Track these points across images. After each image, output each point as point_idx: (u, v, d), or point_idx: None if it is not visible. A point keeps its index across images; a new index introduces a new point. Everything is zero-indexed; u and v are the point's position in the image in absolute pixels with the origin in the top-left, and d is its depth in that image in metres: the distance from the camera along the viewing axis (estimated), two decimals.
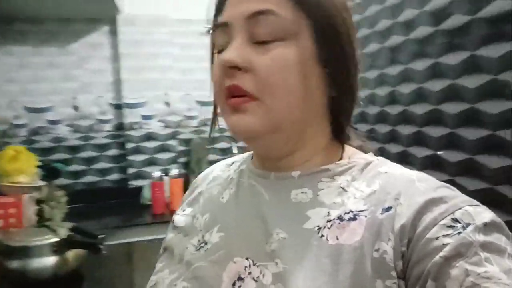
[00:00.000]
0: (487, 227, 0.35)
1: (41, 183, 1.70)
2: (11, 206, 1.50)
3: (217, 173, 0.59)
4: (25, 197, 1.54)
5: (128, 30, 2.07)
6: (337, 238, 0.40)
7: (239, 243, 0.45)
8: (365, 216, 0.40)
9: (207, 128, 2.25)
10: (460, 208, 0.36)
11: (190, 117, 2.25)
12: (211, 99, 0.50)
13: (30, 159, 1.60)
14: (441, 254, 0.34)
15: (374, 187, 0.43)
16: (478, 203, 0.38)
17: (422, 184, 0.40)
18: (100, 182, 2.17)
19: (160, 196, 1.90)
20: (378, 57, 1.55)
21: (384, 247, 0.37)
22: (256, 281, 0.41)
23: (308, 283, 0.38)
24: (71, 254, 1.16)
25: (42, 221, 1.48)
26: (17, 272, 1.10)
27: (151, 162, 2.17)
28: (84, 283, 1.20)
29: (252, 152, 0.55)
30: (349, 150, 0.49)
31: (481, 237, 0.34)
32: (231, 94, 0.43)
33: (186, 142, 2.24)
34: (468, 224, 0.35)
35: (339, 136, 0.49)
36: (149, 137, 2.16)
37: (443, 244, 0.34)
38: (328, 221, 0.42)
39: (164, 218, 1.84)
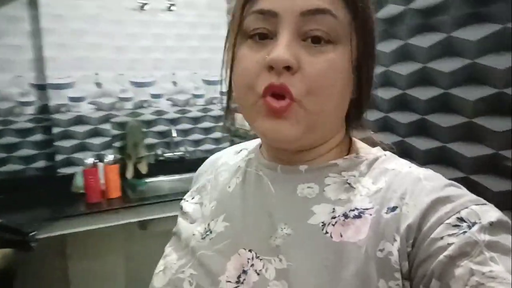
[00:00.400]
0: (493, 227, 0.34)
1: None
2: None
3: (225, 159, 0.58)
4: None
5: (51, 1, 1.87)
6: (341, 235, 0.40)
7: (244, 235, 0.45)
8: (370, 215, 0.40)
9: (143, 111, 2.16)
10: (466, 207, 0.36)
11: (125, 99, 2.12)
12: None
13: None
14: (445, 253, 0.33)
15: (380, 184, 0.42)
16: (485, 201, 0.37)
17: (429, 183, 0.40)
18: (24, 171, 1.98)
19: (94, 184, 1.78)
20: None
21: (389, 248, 0.37)
22: (258, 274, 0.41)
23: (312, 280, 0.38)
24: None
25: None
26: None
27: (83, 148, 2.03)
28: (15, 283, 1.10)
29: (260, 141, 0.53)
30: (357, 144, 0.49)
31: (486, 237, 0.33)
32: (273, 93, 0.40)
33: (121, 125, 2.12)
34: (474, 224, 0.34)
35: (349, 132, 0.50)
36: (79, 120, 2.01)
37: (448, 243, 0.34)
38: (333, 217, 0.41)
39: (100, 207, 1.74)
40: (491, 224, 0.34)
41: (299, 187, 0.45)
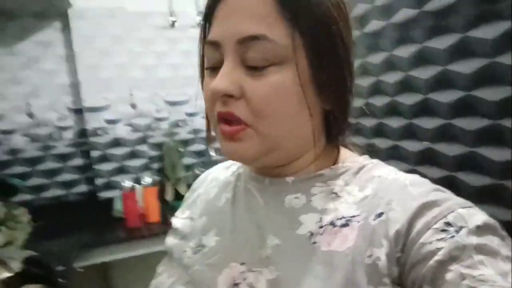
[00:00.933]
0: (480, 230, 0.35)
1: None
2: None
3: (215, 175, 0.59)
4: None
5: (82, 25, 1.86)
6: (329, 244, 0.40)
7: (235, 248, 0.46)
8: (358, 222, 0.41)
9: (180, 130, 2.10)
10: (453, 211, 0.36)
11: (160, 119, 2.07)
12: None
13: None
14: (435, 258, 0.34)
15: (366, 191, 0.43)
16: (471, 204, 0.38)
17: (415, 189, 0.40)
18: (65, 196, 1.97)
19: (133, 207, 1.73)
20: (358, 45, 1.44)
21: (377, 254, 0.37)
22: (250, 287, 0.41)
23: None
24: None
25: None
26: None
27: (121, 170, 1.99)
28: None
29: None
30: (344, 153, 0.49)
31: (474, 240, 0.34)
32: (224, 119, 0.42)
33: (158, 146, 2.06)
34: (461, 227, 0.35)
35: (333, 141, 0.49)
36: (116, 143, 1.97)
37: (436, 248, 0.34)
38: (320, 227, 0.42)
39: (139, 233, 1.68)
40: (478, 227, 0.35)
41: (286, 198, 0.46)
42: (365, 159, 0.48)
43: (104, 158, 1.96)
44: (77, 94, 1.91)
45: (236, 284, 0.42)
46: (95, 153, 1.95)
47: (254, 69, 0.41)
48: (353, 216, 0.41)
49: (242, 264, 0.44)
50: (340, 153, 0.49)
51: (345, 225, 0.41)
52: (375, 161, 0.48)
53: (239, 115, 0.41)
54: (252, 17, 0.40)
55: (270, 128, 0.41)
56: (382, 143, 1.34)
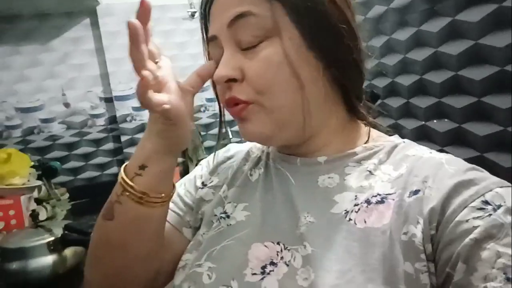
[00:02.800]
0: None
1: (38, 182, 1.71)
2: (9, 208, 1.51)
3: (248, 149, 0.59)
4: (22, 198, 1.55)
5: (109, 21, 2.03)
6: (365, 222, 0.40)
7: (270, 228, 0.45)
8: (393, 200, 0.40)
9: (201, 115, 2.24)
10: (490, 190, 0.36)
11: None
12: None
13: (23, 160, 1.60)
14: (471, 236, 0.33)
15: (401, 170, 0.42)
16: (509, 184, 0.37)
17: (451, 167, 0.40)
18: (99, 177, 2.17)
19: None
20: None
21: (412, 230, 0.37)
22: (288, 265, 0.41)
23: (338, 266, 0.37)
24: (68, 252, 1.17)
25: (41, 220, 1.50)
26: (17, 274, 1.11)
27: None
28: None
29: None
30: (373, 133, 0.49)
31: None
32: (231, 104, 0.44)
33: None
34: (499, 206, 0.34)
35: (355, 115, 0.48)
36: (143, 128, 2.15)
37: (473, 226, 0.34)
38: (356, 205, 0.41)
39: None
40: None
41: (320, 178, 0.45)
42: (397, 139, 0.48)
43: (132, 142, 2.14)
44: (107, 85, 2.09)
45: (274, 263, 0.41)
46: (124, 138, 2.13)
47: (249, 50, 0.42)
48: (389, 194, 0.41)
49: (278, 243, 0.43)
50: (371, 132, 0.49)
51: (380, 202, 0.40)
52: (407, 140, 0.48)
53: (241, 97, 0.42)
54: (235, 1, 0.42)
55: (273, 101, 0.41)
56: (410, 123, 1.29)
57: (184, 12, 2.14)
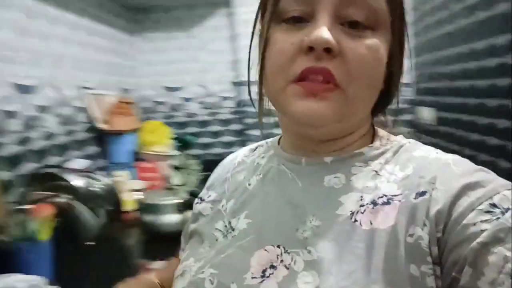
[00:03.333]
0: None
1: (175, 152, 1.99)
2: (150, 170, 1.81)
3: (242, 158, 0.57)
4: (161, 164, 1.83)
5: (243, 10, 2.17)
6: (371, 223, 0.39)
7: (268, 230, 0.44)
8: (399, 201, 0.39)
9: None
10: (498, 193, 0.35)
11: None
12: (255, 76, 0.46)
13: (165, 132, 1.88)
14: (478, 240, 0.32)
15: (407, 171, 0.42)
16: None
17: (458, 168, 0.39)
18: (226, 154, 2.38)
19: None
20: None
21: (419, 232, 0.36)
22: (287, 268, 0.40)
23: (343, 268, 0.37)
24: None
25: (175, 185, 1.74)
26: (150, 225, 1.33)
27: (268, 136, 2.27)
28: None
29: (278, 137, 0.53)
30: (380, 132, 0.48)
31: None
32: (307, 76, 0.39)
33: None
34: (507, 209, 0.33)
35: (375, 119, 0.49)
36: (267, 112, 2.26)
37: (481, 230, 0.33)
38: (361, 205, 0.41)
39: None
40: None
41: (325, 178, 0.44)
42: (402, 138, 0.47)
43: (256, 126, 2.29)
44: (238, 70, 2.27)
45: (273, 266, 0.41)
46: (248, 121, 2.29)
47: (350, 29, 0.39)
48: (395, 195, 0.40)
49: (278, 246, 0.42)
50: (377, 132, 0.48)
51: (386, 203, 0.40)
52: (413, 141, 0.47)
53: (334, 73, 0.38)
54: None
55: (359, 93, 0.40)
56: None
57: None
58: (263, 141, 0.57)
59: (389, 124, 0.50)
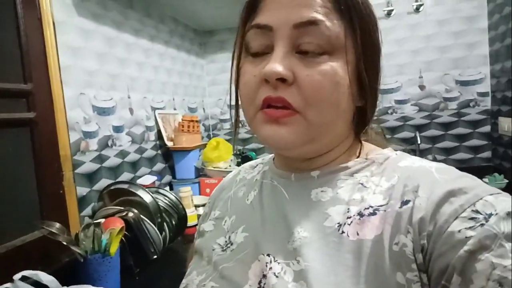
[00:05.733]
0: (510, 216, 0.33)
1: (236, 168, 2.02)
2: (213, 186, 1.86)
3: (243, 175, 0.60)
4: None
5: None
6: (358, 234, 0.40)
7: (263, 242, 0.45)
8: (384, 210, 0.40)
9: (387, 117, 2.15)
10: (480, 199, 0.35)
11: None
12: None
13: (228, 148, 1.93)
14: (465, 248, 0.33)
15: (393, 181, 0.42)
16: (500, 191, 0.36)
17: (441, 176, 0.40)
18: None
19: None
20: None
21: (403, 240, 0.37)
22: (277, 276, 0.41)
23: (331, 278, 0.38)
24: None
25: None
26: None
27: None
28: None
29: (274, 154, 0.55)
30: (367, 146, 0.49)
31: (505, 228, 0.33)
32: (268, 104, 0.42)
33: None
34: (490, 215, 0.34)
35: (360, 136, 0.49)
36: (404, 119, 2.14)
37: (466, 237, 0.33)
38: (348, 217, 0.42)
39: None
40: (508, 214, 0.33)
41: (313, 192, 0.46)
42: (389, 151, 0.48)
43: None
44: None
45: (264, 276, 0.42)
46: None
47: (305, 55, 0.41)
48: (381, 205, 0.41)
49: (268, 255, 0.43)
50: (363, 146, 0.49)
51: (372, 214, 0.40)
52: (400, 152, 0.48)
53: (290, 101, 0.40)
54: (309, 4, 0.40)
55: (318, 116, 0.41)
56: None
57: (380, 11, 2.10)
58: (265, 158, 0.61)
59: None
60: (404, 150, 0.50)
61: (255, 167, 0.60)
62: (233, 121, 0.52)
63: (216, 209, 0.58)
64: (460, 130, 2.07)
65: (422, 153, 2.09)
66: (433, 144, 2.11)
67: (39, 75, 1.09)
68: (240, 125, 0.52)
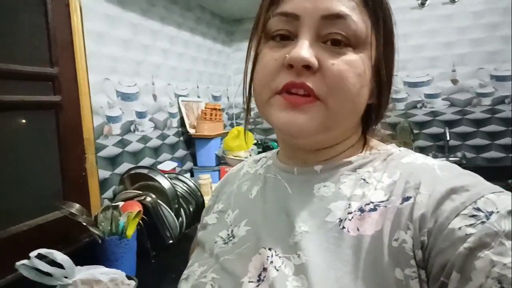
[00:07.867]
0: (511, 215, 0.33)
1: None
2: None
3: (246, 169, 0.60)
4: None
5: None
6: (358, 229, 0.40)
7: (265, 236, 0.46)
8: (385, 206, 0.40)
9: (416, 111, 2.07)
10: (482, 196, 0.35)
11: (400, 99, 2.10)
12: None
13: (249, 138, 1.93)
14: (465, 245, 0.33)
15: (395, 177, 0.43)
16: (502, 190, 0.36)
17: (443, 173, 0.40)
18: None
19: None
20: None
21: (403, 236, 0.37)
22: (277, 270, 0.41)
23: (331, 273, 0.38)
24: None
25: None
26: None
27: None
28: None
29: (278, 149, 0.56)
30: (371, 141, 0.50)
31: (506, 226, 0.32)
32: (288, 90, 0.42)
33: (392, 126, 2.12)
34: (491, 213, 0.34)
35: (369, 132, 0.50)
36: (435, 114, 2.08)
37: (466, 234, 0.33)
38: (349, 213, 0.42)
39: None
40: (509, 212, 0.33)
41: (315, 187, 0.46)
42: (393, 147, 0.48)
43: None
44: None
45: (265, 269, 0.42)
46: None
47: (331, 46, 0.41)
48: (382, 201, 0.41)
49: (269, 249, 0.44)
50: (367, 141, 0.49)
51: (373, 210, 0.41)
52: (403, 149, 0.48)
53: (313, 88, 0.41)
54: None
55: (339, 105, 0.41)
56: None
57: (413, 1, 2.02)
58: (267, 153, 0.61)
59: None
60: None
61: (259, 161, 0.61)
62: (244, 106, 0.52)
63: (219, 202, 0.59)
64: (493, 128, 1.97)
65: (450, 150, 2.02)
66: (463, 141, 2.02)
67: (65, 60, 1.12)
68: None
